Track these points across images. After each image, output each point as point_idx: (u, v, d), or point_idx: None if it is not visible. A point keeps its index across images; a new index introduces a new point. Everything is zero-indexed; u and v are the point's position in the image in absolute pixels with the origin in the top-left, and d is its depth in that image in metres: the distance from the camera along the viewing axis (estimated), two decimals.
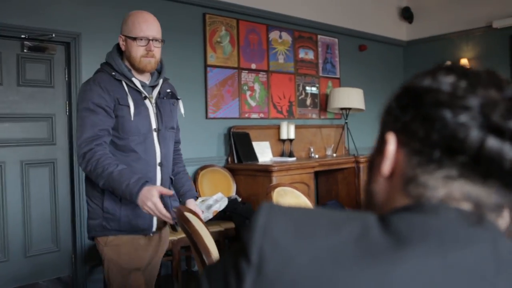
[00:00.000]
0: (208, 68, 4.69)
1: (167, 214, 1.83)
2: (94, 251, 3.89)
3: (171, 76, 4.24)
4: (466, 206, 0.56)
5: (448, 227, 0.53)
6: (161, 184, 2.12)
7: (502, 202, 0.56)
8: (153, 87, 2.17)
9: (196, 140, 4.60)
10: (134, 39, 2.03)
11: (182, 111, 2.30)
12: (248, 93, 5.05)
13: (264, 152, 4.95)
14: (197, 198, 2.32)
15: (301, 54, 5.63)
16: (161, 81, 2.19)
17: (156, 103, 2.15)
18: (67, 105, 3.89)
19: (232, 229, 4.17)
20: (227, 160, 4.79)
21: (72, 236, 3.90)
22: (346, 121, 5.72)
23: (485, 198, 0.55)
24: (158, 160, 2.12)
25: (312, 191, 4.72)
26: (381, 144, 0.64)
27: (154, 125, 2.11)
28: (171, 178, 2.24)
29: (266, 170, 4.31)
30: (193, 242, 1.60)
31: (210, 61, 4.70)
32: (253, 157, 4.79)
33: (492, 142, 0.53)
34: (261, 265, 0.52)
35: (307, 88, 5.72)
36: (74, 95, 3.82)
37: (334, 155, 5.58)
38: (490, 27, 6.13)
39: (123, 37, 2.09)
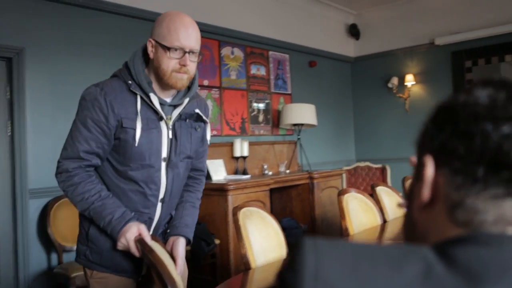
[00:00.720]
0: None
1: (136, 252, 1.62)
2: (38, 282, 3.62)
3: None
4: None
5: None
6: (158, 222, 1.83)
7: None
8: (175, 106, 1.77)
9: None
10: (168, 49, 1.65)
11: (208, 137, 1.95)
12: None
13: (218, 171, 4.83)
14: (189, 242, 1.87)
15: (253, 70, 5.58)
16: (186, 100, 1.77)
17: (173, 126, 1.77)
18: (10, 125, 3.62)
19: (187, 251, 4.00)
20: None
21: (14, 267, 3.60)
22: (299, 137, 5.71)
23: None
24: (161, 195, 1.79)
25: (268, 209, 4.64)
26: (419, 169, 0.59)
27: (164, 154, 1.76)
28: (171, 215, 1.91)
29: (222, 189, 4.19)
30: (158, 273, 1.46)
31: None
32: (207, 176, 4.64)
33: None
34: None
35: (260, 104, 5.67)
36: (16, 114, 3.56)
37: (287, 171, 5.54)
38: (432, 44, 6.34)
39: (153, 41, 1.69)
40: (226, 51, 5.24)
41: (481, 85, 0.55)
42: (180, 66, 1.66)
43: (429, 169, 0.56)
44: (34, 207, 3.66)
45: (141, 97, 1.70)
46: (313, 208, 5.14)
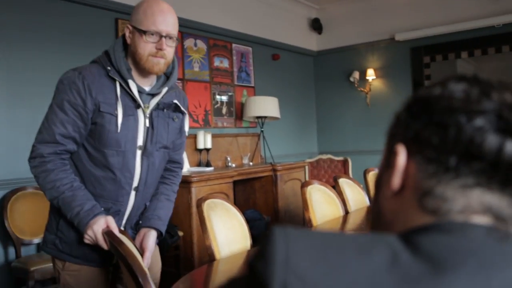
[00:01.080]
0: None
1: (104, 245, 1.60)
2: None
3: None
4: (487, 219, 0.52)
5: (484, 247, 0.49)
6: (131, 212, 1.80)
7: None
8: (153, 95, 1.77)
9: None
10: (144, 32, 1.64)
11: (187, 128, 1.95)
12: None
13: None
14: (161, 235, 1.84)
15: (216, 63, 5.55)
16: (165, 90, 1.77)
17: (151, 115, 1.76)
18: None
19: None
20: None
21: None
22: (262, 129, 5.73)
23: (505, 209, 0.52)
24: (135, 184, 1.77)
25: (231, 201, 4.64)
26: (389, 157, 0.60)
27: (140, 142, 1.74)
28: (145, 205, 1.87)
29: (185, 181, 4.16)
30: (128, 265, 1.45)
31: None
32: None
33: (511, 147, 0.50)
34: None
35: (223, 97, 5.65)
36: None
37: (251, 163, 5.56)
38: (393, 39, 6.47)
39: (130, 27, 1.68)
40: (189, 42, 5.20)
41: (456, 79, 0.57)
42: (156, 50, 1.65)
43: (401, 157, 0.57)
44: None
45: (120, 84, 1.68)
46: (276, 200, 5.18)
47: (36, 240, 3.64)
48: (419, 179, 0.55)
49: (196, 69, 5.28)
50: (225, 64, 5.69)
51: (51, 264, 3.27)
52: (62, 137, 1.64)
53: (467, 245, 0.49)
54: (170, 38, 1.69)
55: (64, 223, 1.71)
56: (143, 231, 1.80)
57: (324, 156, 6.83)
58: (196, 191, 4.16)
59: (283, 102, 6.20)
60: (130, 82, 1.68)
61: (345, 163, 6.68)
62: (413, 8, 6.29)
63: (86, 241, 1.64)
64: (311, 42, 7.13)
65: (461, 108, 0.53)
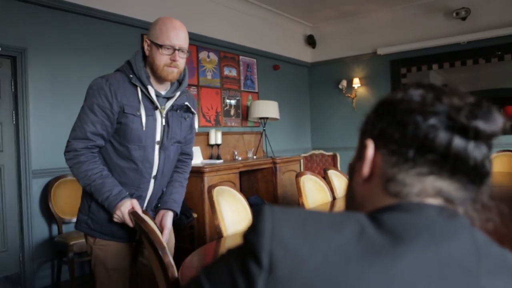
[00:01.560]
0: None
1: (130, 223, 1.66)
2: (41, 249, 3.57)
3: None
4: (439, 201, 0.54)
5: (434, 223, 0.51)
6: (150, 197, 1.84)
7: (467, 196, 0.55)
8: (168, 98, 1.79)
9: None
10: (160, 46, 1.67)
11: (196, 126, 1.97)
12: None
13: (195, 156, 4.82)
14: (177, 215, 1.88)
15: (226, 72, 5.57)
16: (178, 94, 1.80)
17: (166, 115, 1.79)
18: (14, 115, 3.52)
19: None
20: None
21: (20, 236, 3.53)
22: (264, 128, 5.75)
23: (453, 192, 0.54)
24: (154, 173, 1.80)
25: (237, 188, 4.66)
26: (360, 150, 0.62)
27: (158, 138, 1.78)
28: (162, 190, 1.91)
29: (199, 171, 4.20)
30: (150, 240, 1.48)
31: None
32: None
33: (458, 141, 0.52)
34: (273, 268, 0.46)
35: (231, 100, 5.67)
36: (20, 105, 3.48)
37: (255, 157, 5.58)
38: (375, 53, 6.46)
39: (148, 41, 1.72)
40: (203, 55, 5.21)
41: (415, 86, 0.59)
42: (170, 61, 1.68)
43: (370, 150, 0.59)
44: (37, 186, 3.58)
45: (140, 89, 1.71)
46: (275, 188, 5.20)
47: (74, 219, 3.68)
48: (384, 168, 0.57)
49: (209, 77, 5.30)
50: (234, 73, 5.70)
51: None
52: (92, 134, 1.67)
53: (421, 221, 0.51)
54: (182, 51, 1.71)
55: (95, 205, 1.74)
56: (161, 212, 1.85)
57: (317, 151, 6.84)
58: (208, 180, 4.19)
59: (282, 105, 6.21)
60: (149, 88, 1.71)
61: (334, 157, 6.69)
62: (392, 27, 6.28)
63: (115, 220, 1.68)
64: (306, 55, 7.12)
65: (418, 109, 0.55)
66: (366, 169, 0.60)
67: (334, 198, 3.11)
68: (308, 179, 2.99)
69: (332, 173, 3.36)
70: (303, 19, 6.71)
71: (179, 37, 1.70)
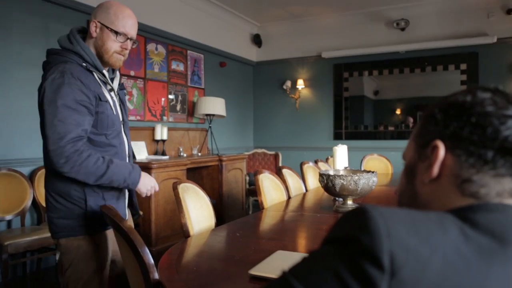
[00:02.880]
0: None
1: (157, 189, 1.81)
2: None
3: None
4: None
5: None
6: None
7: None
8: (112, 79, 1.79)
9: None
10: (115, 32, 1.63)
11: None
12: (127, 97, 4.67)
13: (140, 151, 4.63)
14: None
15: (173, 66, 5.41)
16: (118, 74, 1.82)
17: (118, 95, 1.79)
18: None
19: None
20: None
21: None
22: (210, 125, 5.67)
23: None
24: (127, 151, 1.82)
25: None
26: (421, 151, 0.62)
27: (121, 118, 1.78)
28: None
29: (146, 167, 4.02)
30: (129, 240, 1.38)
31: None
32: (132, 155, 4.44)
33: None
34: (395, 270, 0.43)
35: (178, 95, 5.51)
36: None
37: (199, 154, 5.48)
38: (320, 56, 6.63)
39: (98, 24, 1.64)
40: (151, 46, 5.02)
41: (481, 89, 0.59)
42: (121, 49, 1.68)
43: (441, 151, 0.58)
44: None
45: (97, 75, 1.67)
46: (221, 185, 5.15)
47: (8, 216, 3.36)
48: (458, 169, 0.57)
49: (156, 70, 5.11)
50: (181, 67, 5.55)
51: (22, 239, 3.05)
52: (83, 131, 1.57)
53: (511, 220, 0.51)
54: (133, 41, 1.73)
55: (92, 203, 1.65)
56: None
57: (259, 150, 6.88)
58: (155, 176, 4.03)
59: (227, 103, 6.16)
60: (105, 72, 1.70)
61: (276, 156, 6.76)
62: (337, 32, 6.48)
63: (147, 192, 1.77)
64: (252, 53, 7.13)
65: (493, 112, 0.55)
66: (436, 169, 0.59)
67: (289, 197, 3.13)
68: (266, 178, 2.98)
69: (286, 172, 3.38)
70: (250, 18, 6.71)
71: (134, 27, 1.70)
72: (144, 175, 1.73)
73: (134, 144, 4.55)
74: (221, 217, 4.91)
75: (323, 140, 6.65)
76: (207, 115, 5.57)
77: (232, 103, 6.58)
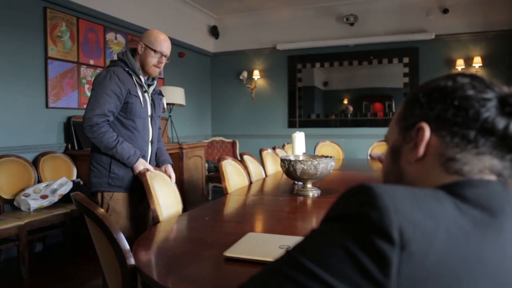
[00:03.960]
0: (49, 60, 3.97)
1: (152, 168, 2.22)
2: None
3: (9, 66, 3.56)
4: (493, 177, 0.57)
5: (508, 195, 0.54)
6: (150, 157, 2.34)
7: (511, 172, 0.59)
8: (149, 85, 2.33)
9: (36, 127, 3.88)
10: (154, 51, 2.20)
11: (165, 105, 2.42)
12: (87, 86, 4.46)
13: None
14: (173, 166, 2.47)
15: None
16: (155, 82, 2.36)
17: (151, 96, 2.32)
18: None
19: (76, 210, 3.65)
20: (67, 147, 4.17)
21: None
22: (170, 114, 5.54)
23: (503, 170, 0.58)
24: (150, 138, 2.33)
25: None
26: (409, 133, 0.63)
27: (149, 113, 2.30)
28: (156, 153, 2.43)
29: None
30: (104, 227, 1.33)
31: (51, 53, 3.99)
32: None
33: None
34: (405, 244, 0.43)
35: None
36: None
37: None
38: (274, 48, 6.65)
39: (143, 45, 2.22)
40: (110, 36, 4.81)
41: (461, 75, 0.61)
42: (158, 63, 2.25)
43: (427, 132, 0.60)
44: None
45: (135, 78, 2.21)
46: (182, 173, 5.07)
47: None
48: (442, 149, 0.58)
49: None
50: None
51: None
52: (108, 111, 2.11)
53: (497, 194, 0.53)
54: (166, 57, 2.29)
55: (115, 166, 2.18)
56: (165, 166, 2.42)
57: (217, 138, 6.83)
58: None
59: (188, 92, 6.05)
60: (141, 77, 2.24)
61: (234, 144, 6.75)
62: (291, 25, 6.52)
63: (140, 170, 2.15)
64: (209, 45, 7.03)
65: (474, 96, 0.58)
66: (422, 149, 0.60)
67: (250, 182, 3.13)
68: (228, 164, 2.96)
69: (247, 159, 3.38)
70: (208, 10, 6.59)
71: (168, 48, 2.27)
72: (139, 162, 2.19)
73: None
74: (183, 203, 4.84)
75: (278, 128, 6.71)
76: (167, 104, 5.43)
77: (191, 93, 6.47)
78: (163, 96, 2.50)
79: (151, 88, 2.32)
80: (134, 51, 2.29)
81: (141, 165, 2.18)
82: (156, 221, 1.98)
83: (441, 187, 0.55)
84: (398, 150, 0.65)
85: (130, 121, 2.19)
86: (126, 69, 2.18)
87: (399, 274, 0.42)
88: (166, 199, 2.19)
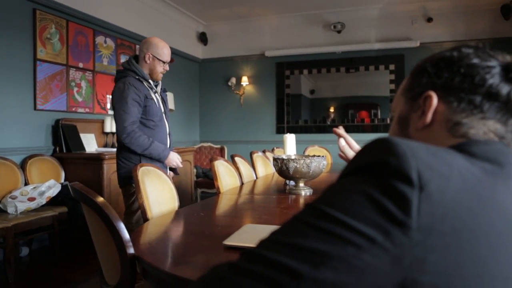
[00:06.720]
0: (38, 62, 3.93)
1: (180, 165, 2.71)
2: None
3: None
4: (497, 139, 0.60)
5: (509, 152, 0.57)
6: (170, 146, 2.72)
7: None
8: (156, 85, 2.67)
9: (24, 129, 3.83)
10: (163, 62, 2.59)
11: (172, 101, 2.62)
12: (76, 89, 4.43)
13: (90, 143, 4.42)
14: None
15: (122, 59, 5.19)
16: (160, 82, 2.70)
17: (160, 96, 2.67)
18: None
19: (65, 213, 3.60)
20: (55, 149, 4.11)
21: None
22: None
23: (504, 133, 0.61)
24: (168, 131, 2.70)
25: None
26: (416, 102, 0.66)
27: (162, 110, 2.65)
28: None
29: (98, 158, 3.86)
30: (104, 215, 1.32)
31: (40, 55, 3.95)
32: (81, 147, 4.23)
33: None
34: (424, 185, 0.45)
35: None
36: None
37: None
38: (263, 55, 6.70)
39: (151, 55, 2.56)
40: (100, 39, 4.79)
41: (465, 46, 0.64)
42: (163, 70, 2.63)
43: (435, 99, 0.62)
44: None
45: (146, 83, 2.55)
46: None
47: None
48: (449, 114, 0.61)
49: (105, 63, 4.89)
50: None
51: None
52: (136, 118, 2.47)
53: (502, 150, 0.57)
54: (169, 63, 2.66)
55: (144, 162, 2.41)
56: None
57: (205, 144, 6.82)
58: (107, 168, 3.88)
59: (177, 97, 6.05)
60: (151, 82, 2.60)
61: (221, 150, 6.75)
62: (279, 32, 6.59)
63: (172, 164, 2.66)
64: (198, 51, 7.05)
65: (479, 64, 0.61)
66: (429, 116, 0.63)
67: (242, 183, 3.14)
68: (220, 164, 2.97)
69: (238, 160, 3.39)
70: (197, 16, 6.62)
71: (170, 54, 2.64)
72: (172, 154, 2.61)
73: (83, 136, 4.34)
74: None
75: (266, 134, 6.74)
76: None
77: (179, 99, 6.47)
78: (166, 91, 2.82)
79: (158, 88, 2.67)
80: (136, 58, 2.62)
81: (174, 157, 2.61)
82: (143, 216, 1.96)
83: (450, 147, 0.58)
84: (406, 119, 0.68)
85: (150, 121, 2.54)
86: (137, 77, 2.51)
87: (419, 213, 0.44)
88: (160, 195, 2.18)
